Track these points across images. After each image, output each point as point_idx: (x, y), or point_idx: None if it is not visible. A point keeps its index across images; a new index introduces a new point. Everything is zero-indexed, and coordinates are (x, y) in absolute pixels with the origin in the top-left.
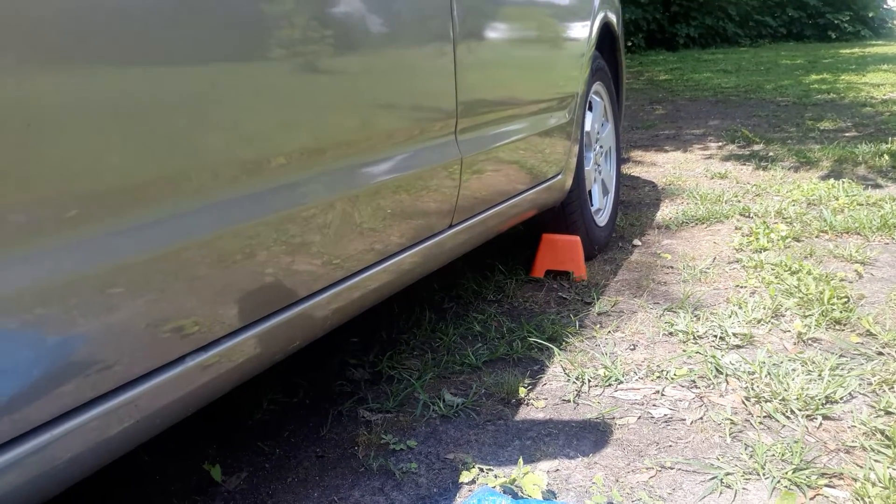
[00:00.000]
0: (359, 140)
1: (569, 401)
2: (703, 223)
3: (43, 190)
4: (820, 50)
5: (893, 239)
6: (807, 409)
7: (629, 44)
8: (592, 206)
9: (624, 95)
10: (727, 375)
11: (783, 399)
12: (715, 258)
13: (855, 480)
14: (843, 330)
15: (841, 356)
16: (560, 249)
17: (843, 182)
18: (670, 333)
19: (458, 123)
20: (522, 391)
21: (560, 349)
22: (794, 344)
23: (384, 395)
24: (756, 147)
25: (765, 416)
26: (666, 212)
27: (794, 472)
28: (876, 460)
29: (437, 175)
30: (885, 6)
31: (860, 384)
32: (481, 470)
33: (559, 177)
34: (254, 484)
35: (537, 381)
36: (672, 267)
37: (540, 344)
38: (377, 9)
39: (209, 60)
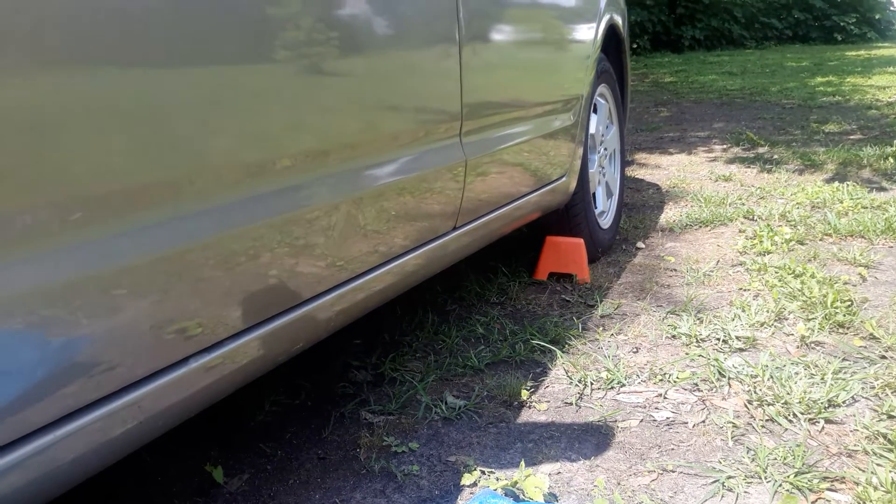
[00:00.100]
0: (363, 142)
1: (571, 403)
2: (707, 226)
3: (48, 192)
4: (826, 52)
5: None
6: (809, 413)
7: (634, 46)
8: (596, 208)
9: (629, 98)
10: (730, 379)
11: (786, 402)
12: (718, 261)
13: (857, 484)
14: (847, 333)
15: (844, 360)
16: (563, 252)
17: (848, 185)
18: (673, 336)
19: (463, 126)
20: (525, 394)
21: (562, 352)
22: (797, 347)
23: (386, 398)
24: (761, 150)
25: (767, 420)
26: (670, 214)
27: (795, 476)
28: (878, 464)
29: (442, 177)
30: (891, 8)
31: (863, 388)
32: (483, 472)
33: (563, 179)
34: (255, 485)
35: (539, 383)
36: (675, 270)
37: (542, 346)
38: (383, 11)
39: (213, 63)
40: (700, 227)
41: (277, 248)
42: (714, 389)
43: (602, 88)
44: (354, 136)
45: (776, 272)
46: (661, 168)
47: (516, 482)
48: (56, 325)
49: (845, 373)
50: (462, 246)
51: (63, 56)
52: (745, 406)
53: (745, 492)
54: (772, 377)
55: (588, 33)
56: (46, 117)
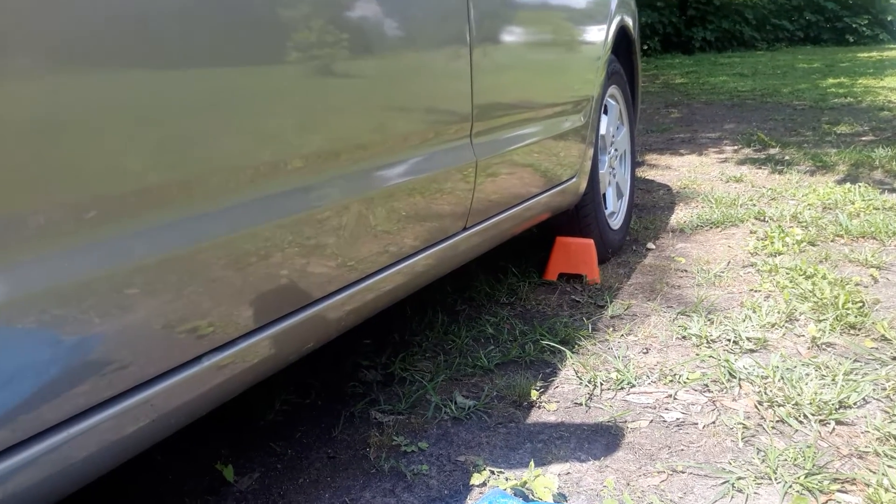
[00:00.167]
0: (374, 143)
1: (581, 404)
2: (718, 227)
3: (62, 192)
4: (837, 54)
5: None
6: (820, 414)
7: (645, 47)
8: (606, 209)
9: (639, 99)
10: (740, 380)
11: (796, 404)
12: (729, 262)
13: (868, 486)
14: (858, 335)
15: (855, 361)
16: (573, 252)
17: (860, 186)
18: (683, 337)
19: (474, 126)
20: (534, 394)
21: (572, 352)
22: (808, 348)
23: (396, 397)
24: (772, 151)
25: (777, 421)
26: (680, 215)
27: (806, 477)
28: (889, 466)
29: (452, 178)
30: None
31: (874, 389)
32: (492, 472)
33: (573, 180)
34: (266, 484)
35: (549, 384)
36: (686, 270)
37: (552, 347)
38: (394, 12)
39: (225, 64)
40: (711, 227)
41: (288, 248)
42: (724, 390)
43: (613, 89)
44: (365, 137)
45: (787, 273)
46: (671, 169)
47: (525, 482)
48: (69, 323)
49: (856, 374)
50: (472, 246)
51: (78, 57)
52: (756, 407)
53: (756, 493)
54: (782, 378)
55: (598, 35)
56: (61, 118)
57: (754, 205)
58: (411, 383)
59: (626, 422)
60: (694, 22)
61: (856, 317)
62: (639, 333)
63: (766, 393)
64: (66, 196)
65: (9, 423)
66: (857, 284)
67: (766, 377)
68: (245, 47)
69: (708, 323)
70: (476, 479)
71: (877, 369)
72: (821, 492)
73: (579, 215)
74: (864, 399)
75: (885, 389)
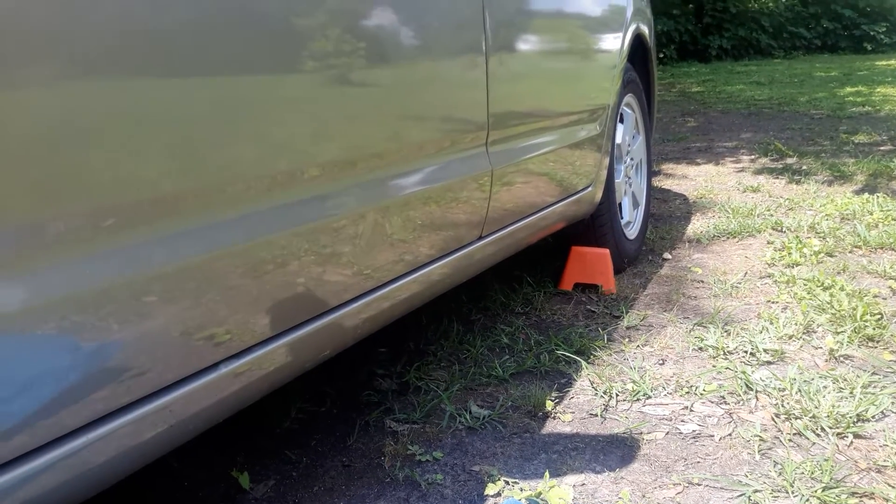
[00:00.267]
0: (390, 152)
1: (596, 415)
2: (735, 237)
3: (81, 200)
4: (855, 62)
5: None
6: (838, 427)
7: (661, 55)
8: (622, 218)
9: (655, 107)
10: (757, 392)
11: (814, 416)
12: (746, 273)
13: (886, 500)
14: (876, 347)
15: (873, 374)
16: (589, 262)
17: (878, 196)
18: (700, 348)
19: (490, 135)
20: (549, 404)
21: (588, 363)
22: (826, 361)
23: (411, 406)
24: (789, 160)
25: (795, 434)
26: (697, 225)
27: (823, 491)
28: None
29: (468, 187)
30: None
31: (893, 402)
32: (507, 483)
33: (589, 189)
34: (281, 492)
35: (564, 394)
36: (702, 281)
37: (567, 357)
38: (410, 21)
39: (242, 73)
40: (728, 238)
41: (305, 256)
42: (741, 402)
43: (628, 98)
44: (381, 146)
45: (805, 284)
46: (688, 178)
47: (540, 493)
48: (89, 330)
49: (875, 387)
50: (487, 255)
51: (97, 66)
52: (773, 419)
53: None
54: (800, 391)
55: (614, 43)
56: (80, 126)
57: (771, 215)
58: (426, 392)
59: (641, 433)
60: (710, 30)
61: (874, 329)
62: (655, 344)
63: (783, 405)
64: (86, 204)
65: (29, 428)
66: (875, 296)
67: (784, 389)
68: (262, 56)
69: (724, 334)
70: (490, 490)
71: (895, 382)
72: None
73: (595, 225)
74: (882, 412)
75: None
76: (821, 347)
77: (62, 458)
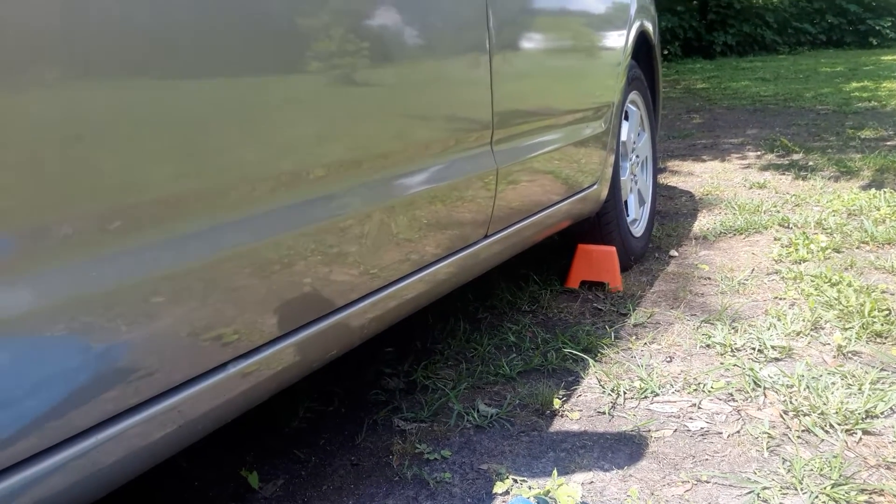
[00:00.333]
0: (395, 151)
1: (604, 413)
2: (742, 234)
3: (88, 202)
4: (861, 57)
5: None
6: (846, 424)
7: (665, 52)
8: (628, 216)
9: (660, 104)
10: (765, 389)
11: (822, 413)
12: (753, 269)
13: None
14: (885, 343)
15: (882, 370)
16: (595, 260)
17: (885, 192)
18: (707, 346)
19: (494, 134)
20: (557, 402)
21: (595, 360)
22: (834, 357)
23: (419, 405)
24: (795, 156)
25: (803, 431)
26: (703, 222)
27: (832, 488)
28: None
29: (473, 185)
30: None
31: None
32: (515, 481)
33: (595, 187)
34: (290, 491)
35: (572, 392)
36: (709, 278)
37: (575, 355)
38: (413, 21)
39: (246, 73)
40: (734, 234)
41: (311, 256)
42: (749, 399)
43: (633, 95)
44: (387, 146)
45: (812, 281)
46: (693, 175)
47: (549, 491)
48: (97, 331)
49: (883, 383)
50: (493, 254)
51: (103, 68)
52: (781, 416)
53: (781, 503)
54: (808, 387)
55: (618, 40)
56: (85, 128)
57: (778, 211)
58: (434, 391)
59: (649, 431)
60: (714, 26)
61: (882, 325)
62: (662, 342)
63: (791, 402)
64: (93, 206)
65: (40, 429)
66: (883, 292)
67: (792, 386)
68: (266, 57)
69: (732, 331)
70: (499, 488)
71: None
72: (848, 503)
73: (601, 222)
74: (891, 409)
75: None
76: (829, 344)
77: (72, 458)
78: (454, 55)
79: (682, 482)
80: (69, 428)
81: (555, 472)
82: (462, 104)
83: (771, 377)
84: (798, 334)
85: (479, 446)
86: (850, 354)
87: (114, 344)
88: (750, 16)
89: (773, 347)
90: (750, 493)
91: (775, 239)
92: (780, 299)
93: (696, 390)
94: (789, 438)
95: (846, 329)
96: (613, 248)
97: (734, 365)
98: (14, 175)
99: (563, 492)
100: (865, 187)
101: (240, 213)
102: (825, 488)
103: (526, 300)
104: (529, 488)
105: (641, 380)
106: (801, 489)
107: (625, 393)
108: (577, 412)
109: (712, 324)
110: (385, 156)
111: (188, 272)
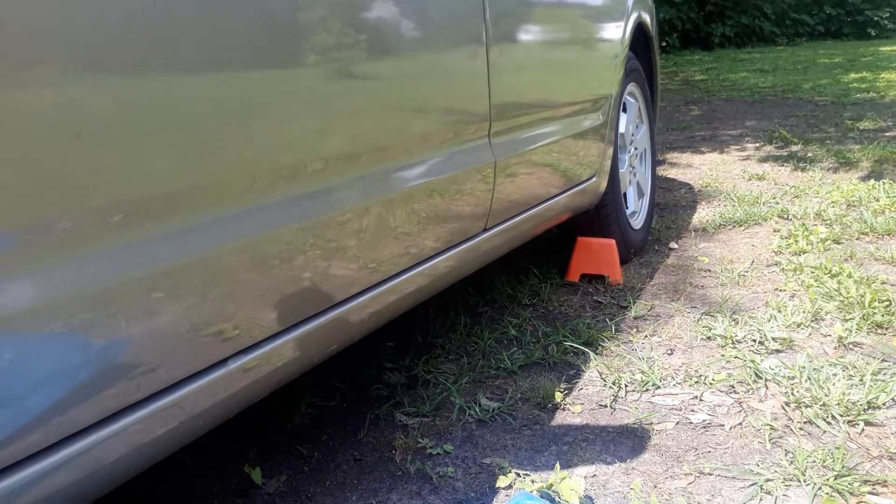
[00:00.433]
0: (393, 144)
1: (605, 406)
2: (741, 226)
3: (87, 197)
4: (859, 48)
5: None
6: (848, 415)
7: (664, 44)
8: (627, 208)
9: (659, 96)
10: (766, 380)
11: (824, 404)
12: (753, 261)
13: None
14: (886, 334)
15: (883, 361)
16: (595, 253)
17: (884, 183)
18: (708, 338)
19: (492, 126)
20: (558, 396)
21: (596, 354)
22: (835, 348)
23: (420, 399)
24: (794, 148)
25: (805, 422)
26: (703, 214)
27: (835, 479)
28: None
29: (471, 178)
30: None
31: None
32: (518, 475)
33: (593, 179)
34: (293, 486)
35: (573, 385)
36: (709, 270)
37: (576, 348)
38: (410, 13)
39: (245, 68)
40: (734, 226)
41: (310, 250)
42: (751, 391)
43: (631, 87)
44: (384, 139)
45: (812, 272)
46: (692, 167)
47: (552, 484)
48: (97, 327)
49: (885, 374)
50: (493, 247)
51: (103, 63)
52: (783, 408)
53: (784, 495)
54: (809, 379)
55: (616, 32)
56: (84, 123)
57: (777, 203)
58: (435, 385)
59: (651, 424)
60: (713, 18)
61: (883, 316)
62: (663, 334)
63: (793, 394)
64: (92, 200)
65: (40, 427)
66: (883, 283)
67: (793, 378)
68: (263, 50)
69: (733, 323)
70: (502, 482)
71: None
72: (851, 494)
73: (600, 215)
74: (892, 399)
75: None
76: (830, 335)
77: (75, 455)
78: (451, 47)
79: (685, 475)
80: (71, 425)
81: (557, 465)
82: (459, 97)
83: (772, 369)
84: (799, 326)
85: (482, 440)
86: (850, 345)
87: (114, 340)
88: (748, 7)
89: (773, 339)
90: (753, 485)
91: (775, 230)
92: (781, 291)
93: (697, 382)
94: (791, 430)
95: (847, 320)
96: (613, 241)
97: (735, 357)
98: (11, 171)
99: (566, 485)
100: (864, 178)
101: (238, 207)
102: (828, 480)
103: (526, 294)
104: (532, 482)
105: (643, 372)
106: (804, 481)
107: (626, 386)
108: (579, 405)
109: (713, 316)
110: (383, 149)
111: (187, 267)
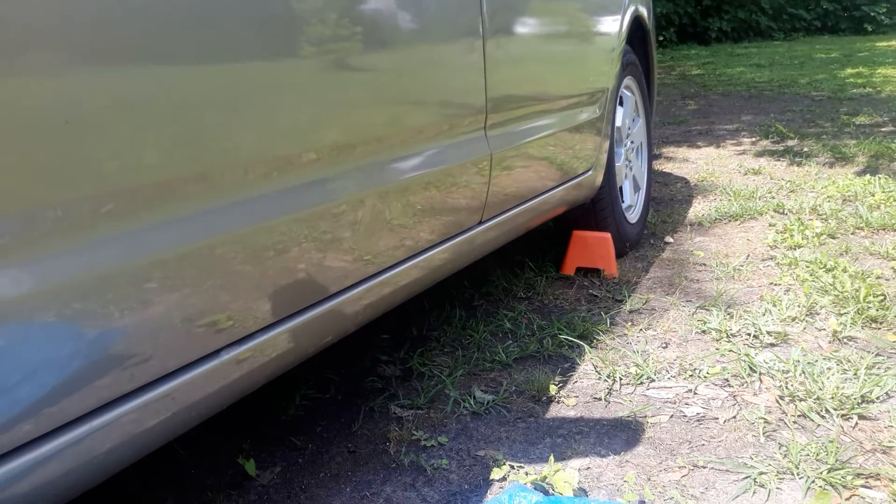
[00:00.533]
0: (389, 136)
1: (600, 399)
2: (737, 220)
3: (79, 187)
4: (855, 43)
5: None
6: (842, 409)
7: (660, 38)
8: (623, 202)
9: (655, 90)
10: (761, 374)
11: (818, 398)
12: (748, 255)
13: (892, 481)
14: (880, 328)
15: (877, 355)
16: (591, 246)
17: (880, 178)
18: (703, 331)
19: (488, 119)
20: (553, 389)
21: (591, 347)
22: (830, 342)
23: (415, 392)
24: (790, 142)
25: (799, 416)
26: (698, 208)
27: (829, 472)
28: None
29: (467, 171)
30: None
31: None
32: (512, 467)
33: (589, 173)
34: (287, 478)
35: (568, 378)
36: (705, 264)
37: (571, 341)
38: (407, 5)
39: (240, 58)
40: (729, 221)
41: (305, 241)
42: (745, 385)
43: (628, 81)
44: (380, 130)
45: (807, 266)
46: (688, 161)
47: (545, 477)
48: (90, 318)
49: (879, 368)
50: (488, 240)
51: (96, 53)
52: (777, 401)
53: (778, 488)
54: (803, 372)
55: (613, 25)
56: (78, 114)
57: (773, 197)
58: (430, 378)
59: (645, 417)
60: (710, 12)
61: (877, 310)
62: (658, 328)
63: (787, 387)
64: (85, 191)
65: (33, 417)
66: (878, 277)
67: (787, 371)
68: (260, 42)
69: (727, 317)
70: (496, 474)
71: None
72: (844, 487)
73: (596, 209)
74: (886, 394)
75: None
76: (824, 329)
77: (67, 445)
78: (448, 40)
79: (679, 468)
80: (64, 414)
81: (551, 458)
82: (455, 89)
83: (766, 363)
84: (793, 320)
85: (476, 433)
86: (845, 340)
87: (107, 330)
88: (745, 2)
89: (768, 333)
90: (746, 478)
91: (770, 225)
92: (776, 285)
93: (691, 376)
94: (785, 423)
95: (841, 314)
96: (609, 235)
97: (730, 350)
98: (6, 160)
99: (559, 478)
100: (860, 173)
101: (233, 197)
102: (821, 473)
103: (521, 287)
104: (526, 474)
105: (637, 366)
106: (798, 474)
107: (621, 379)
108: (574, 398)
109: (708, 310)
110: (379, 140)
111: (181, 257)
